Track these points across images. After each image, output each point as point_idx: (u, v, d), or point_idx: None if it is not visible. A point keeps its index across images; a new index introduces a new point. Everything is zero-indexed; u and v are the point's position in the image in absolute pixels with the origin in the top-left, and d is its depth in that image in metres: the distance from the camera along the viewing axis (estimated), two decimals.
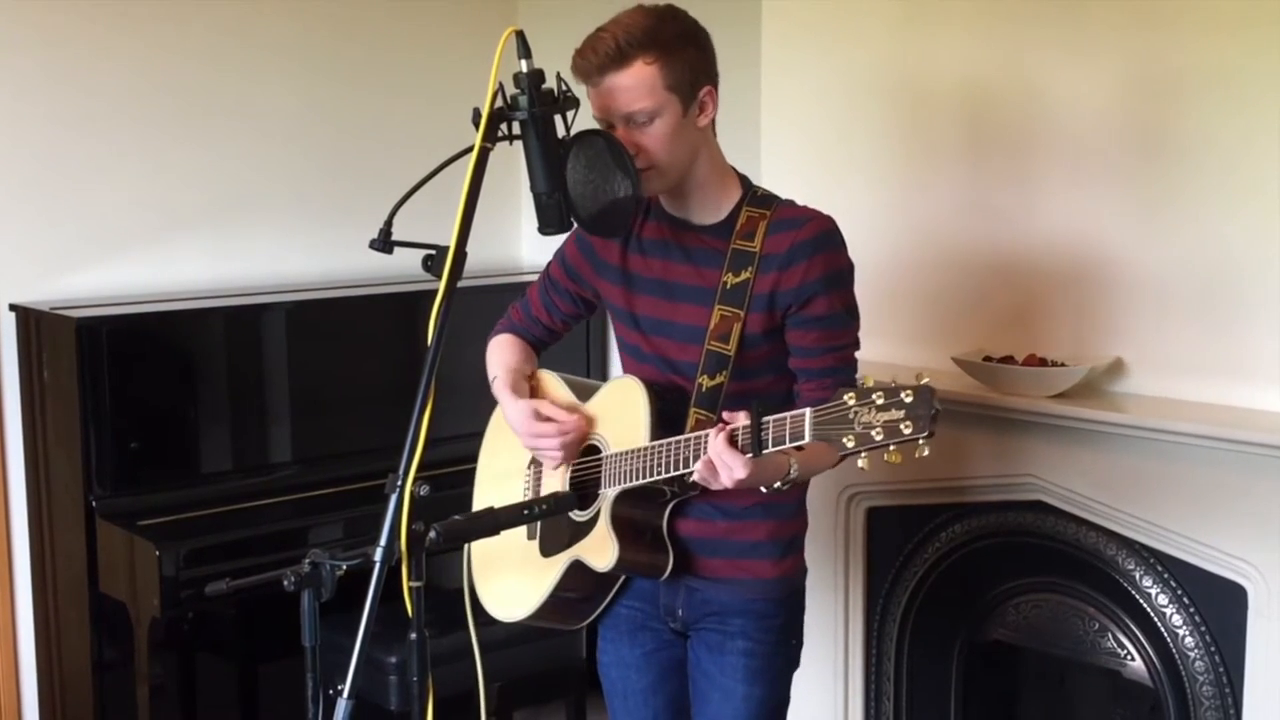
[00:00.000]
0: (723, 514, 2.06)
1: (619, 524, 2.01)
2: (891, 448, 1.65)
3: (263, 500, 3.22)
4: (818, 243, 1.97)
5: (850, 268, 2.02)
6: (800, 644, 2.17)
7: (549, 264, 2.28)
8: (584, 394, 2.18)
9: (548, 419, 2.10)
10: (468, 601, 2.23)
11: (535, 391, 2.22)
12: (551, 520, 2.10)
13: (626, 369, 2.14)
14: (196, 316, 3.29)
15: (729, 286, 1.99)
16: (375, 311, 3.54)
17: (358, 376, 3.45)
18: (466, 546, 2.27)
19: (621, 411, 2.06)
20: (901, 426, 1.62)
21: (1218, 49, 2.50)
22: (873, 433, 1.64)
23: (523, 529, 2.16)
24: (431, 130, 3.63)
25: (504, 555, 2.21)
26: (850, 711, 3.11)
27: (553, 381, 2.24)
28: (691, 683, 2.16)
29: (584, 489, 2.08)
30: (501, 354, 2.27)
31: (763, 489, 1.90)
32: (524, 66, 1.84)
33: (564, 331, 2.33)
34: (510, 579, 2.20)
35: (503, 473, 2.24)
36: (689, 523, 2.07)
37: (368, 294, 3.54)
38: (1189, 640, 2.61)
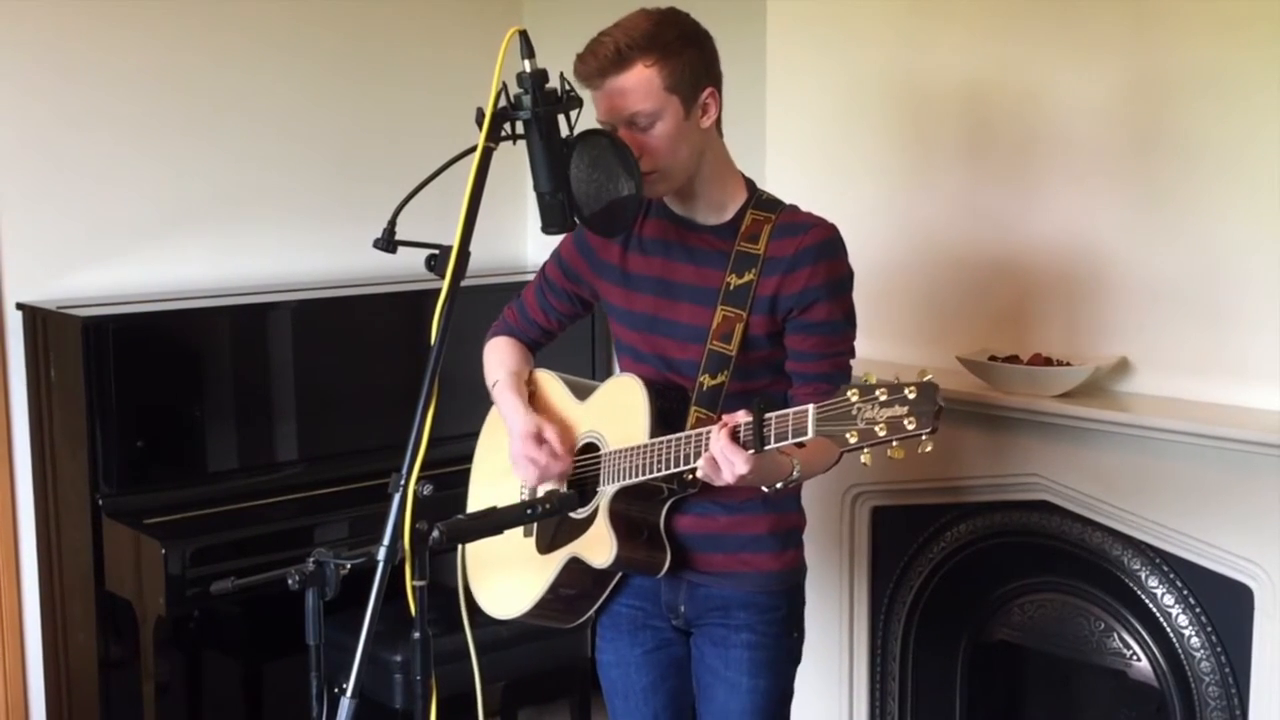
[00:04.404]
0: (722, 509, 2.07)
1: (617, 521, 2.01)
2: (895, 444, 1.65)
3: (268, 499, 3.22)
4: (822, 249, 1.98)
5: (850, 275, 2.04)
6: (802, 637, 2.17)
7: (544, 265, 2.29)
8: (581, 393, 2.19)
9: (544, 442, 2.09)
10: (463, 601, 2.24)
11: (534, 395, 2.23)
12: (547, 518, 2.11)
13: (624, 368, 2.15)
14: (202, 315, 3.29)
15: (732, 287, 2.00)
16: (381, 311, 3.55)
17: (363, 375, 3.45)
18: (460, 546, 2.27)
19: (621, 410, 2.06)
20: (905, 422, 1.63)
21: (1218, 49, 2.50)
22: (876, 429, 1.65)
23: (519, 526, 2.17)
24: (438, 129, 3.62)
25: (500, 553, 2.21)
26: (855, 711, 3.11)
27: (550, 382, 2.25)
28: (695, 679, 2.17)
29: (581, 486, 2.09)
30: (500, 357, 2.28)
31: (764, 489, 1.90)
32: (527, 66, 1.84)
33: (559, 332, 2.33)
34: (506, 577, 2.21)
35: (501, 470, 2.25)
36: (688, 519, 2.07)
37: (374, 293, 3.54)
38: (1195, 641, 2.60)
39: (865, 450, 1.68)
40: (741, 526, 2.07)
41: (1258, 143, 2.46)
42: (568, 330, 2.34)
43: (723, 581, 2.08)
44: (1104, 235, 2.69)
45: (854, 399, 1.67)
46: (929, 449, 1.65)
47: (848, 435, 1.67)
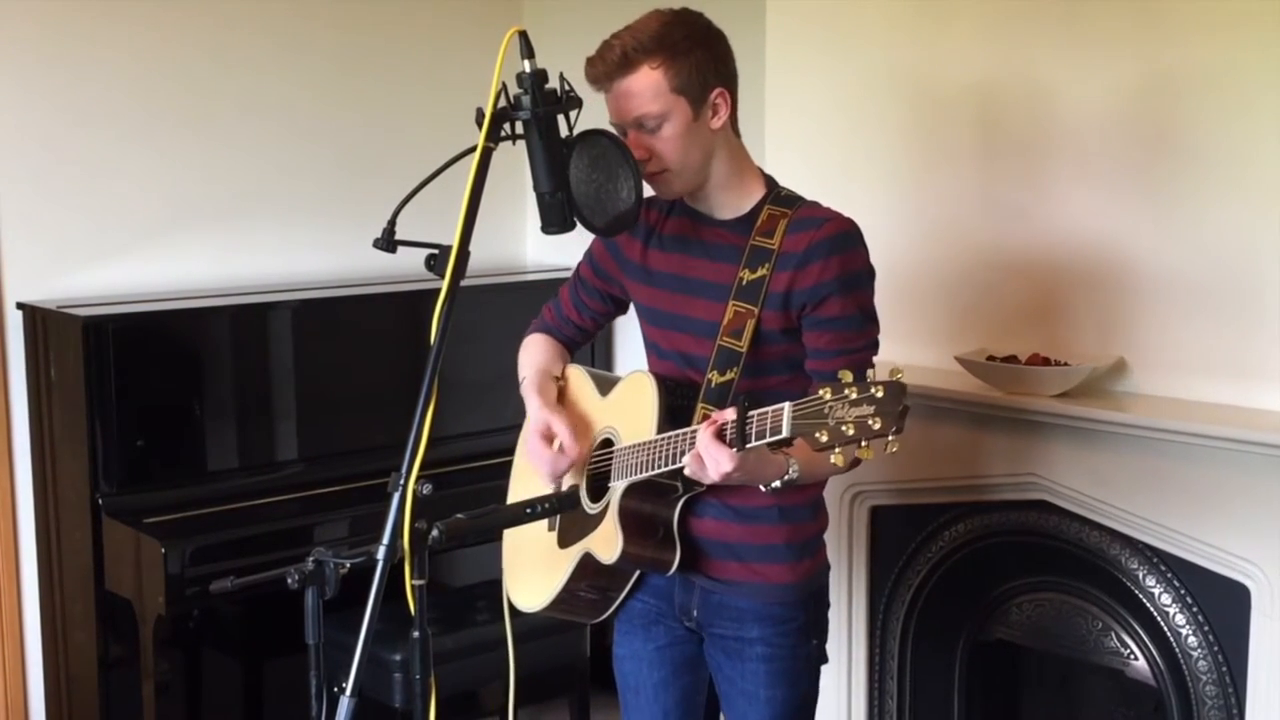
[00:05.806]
0: (738, 516, 2.05)
1: (626, 517, 2.01)
2: (863, 444, 1.64)
3: (268, 498, 3.22)
4: (835, 243, 1.96)
5: (869, 271, 2.02)
6: (823, 641, 2.15)
7: (579, 263, 2.30)
8: (606, 388, 2.20)
9: (553, 438, 2.11)
10: (506, 595, 2.26)
11: (564, 391, 2.25)
12: (569, 513, 2.12)
13: (650, 366, 2.15)
14: (203, 315, 3.30)
15: (744, 283, 1.99)
16: (381, 310, 3.55)
17: (364, 375, 3.45)
18: (499, 541, 2.31)
19: (634, 405, 2.07)
20: (871, 422, 1.61)
21: (1226, 49, 2.50)
22: (844, 428, 1.63)
23: (545, 521, 2.18)
24: (439, 128, 3.64)
25: (529, 547, 2.23)
26: (854, 710, 3.11)
27: (579, 377, 2.26)
28: (715, 685, 2.17)
29: (599, 481, 2.10)
30: (532, 354, 2.30)
31: (761, 488, 1.90)
32: (527, 66, 1.85)
33: (595, 330, 2.35)
34: (532, 570, 2.23)
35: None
36: (705, 523, 2.07)
37: (374, 293, 3.55)
38: (1192, 640, 2.60)
39: (836, 450, 1.66)
40: (757, 536, 2.06)
41: (1266, 142, 2.46)
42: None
43: (735, 590, 2.07)
44: (1105, 235, 2.69)
45: (827, 397, 1.66)
46: (895, 449, 1.63)
47: (818, 435, 1.65)
